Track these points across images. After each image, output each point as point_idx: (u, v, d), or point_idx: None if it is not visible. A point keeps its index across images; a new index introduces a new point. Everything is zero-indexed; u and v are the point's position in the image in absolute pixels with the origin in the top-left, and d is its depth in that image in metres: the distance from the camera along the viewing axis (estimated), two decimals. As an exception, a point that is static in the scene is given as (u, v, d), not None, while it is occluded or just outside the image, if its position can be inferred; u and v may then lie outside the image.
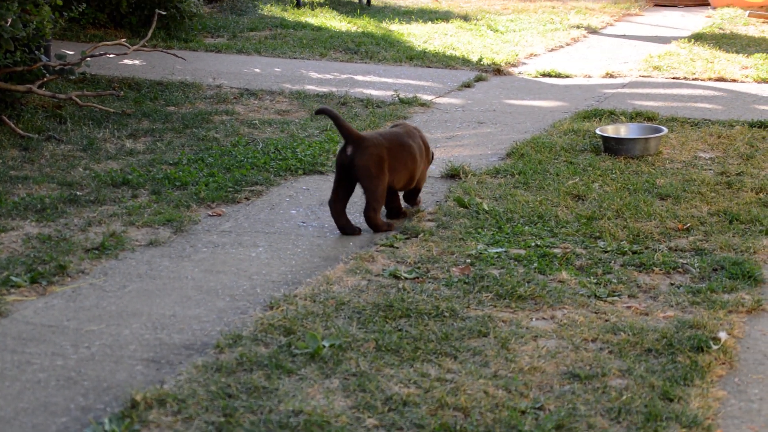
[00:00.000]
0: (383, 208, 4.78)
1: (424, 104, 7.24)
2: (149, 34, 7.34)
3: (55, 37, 7.20)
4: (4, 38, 5.91)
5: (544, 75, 8.37)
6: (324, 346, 3.36)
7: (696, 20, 11.64)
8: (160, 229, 4.59)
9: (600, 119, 6.65)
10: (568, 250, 4.33)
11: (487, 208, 4.82)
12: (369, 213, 4.60)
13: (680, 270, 4.16)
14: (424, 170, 4.92)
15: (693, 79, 8.15)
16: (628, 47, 9.83)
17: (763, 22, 11.11)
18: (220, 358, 3.28)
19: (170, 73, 7.97)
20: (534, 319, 3.68)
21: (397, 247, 4.39)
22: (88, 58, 6.77)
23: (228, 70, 8.24)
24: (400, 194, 4.90)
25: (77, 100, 6.64)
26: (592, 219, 4.70)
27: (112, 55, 7.67)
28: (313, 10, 11.48)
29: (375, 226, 4.62)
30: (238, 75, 8.05)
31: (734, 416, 3.04)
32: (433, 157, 5.07)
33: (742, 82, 8.05)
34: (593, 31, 10.83)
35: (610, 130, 5.98)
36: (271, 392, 3.07)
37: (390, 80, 8.05)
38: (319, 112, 4.61)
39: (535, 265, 4.17)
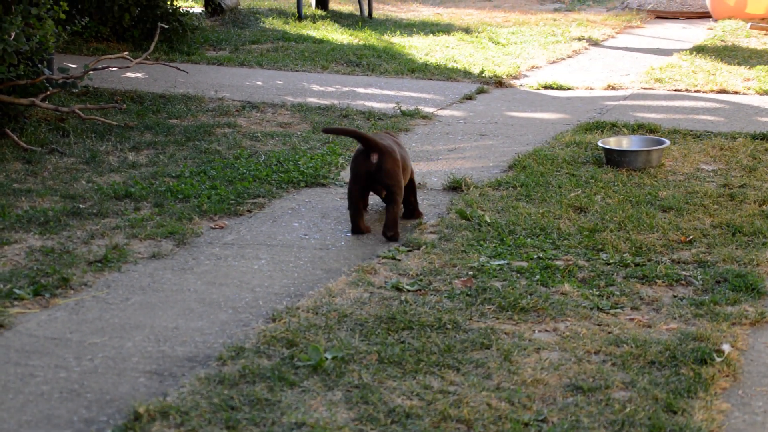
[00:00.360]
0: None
1: (425, 117, 7.25)
2: (152, 48, 7.35)
3: (58, 51, 7.22)
4: (7, 52, 5.93)
5: (545, 87, 8.38)
6: (326, 359, 3.36)
7: (697, 32, 11.67)
8: (163, 241, 4.59)
9: (602, 131, 6.66)
10: (570, 263, 4.34)
11: (489, 221, 4.82)
12: (395, 216, 4.72)
13: (683, 282, 4.16)
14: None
15: (695, 91, 8.16)
16: (629, 59, 9.85)
17: (765, 35, 11.13)
18: (222, 371, 3.28)
19: (172, 86, 7.99)
20: (536, 332, 3.68)
21: (399, 260, 4.39)
22: (91, 72, 6.80)
23: (230, 82, 8.26)
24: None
25: (80, 113, 6.65)
26: (595, 231, 4.70)
27: (114, 69, 7.69)
28: (314, 23, 11.51)
29: (396, 231, 4.71)
30: (240, 88, 8.07)
31: (738, 429, 3.04)
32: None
33: (744, 94, 8.06)
34: (595, 43, 10.85)
35: (612, 143, 5.99)
36: (273, 404, 3.07)
37: (392, 93, 8.06)
38: (328, 131, 4.77)
39: (538, 277, 4.17)
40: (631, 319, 3.80)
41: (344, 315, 3.76)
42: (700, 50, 9.93)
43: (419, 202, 5.25)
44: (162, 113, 7.10)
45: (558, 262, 4.34)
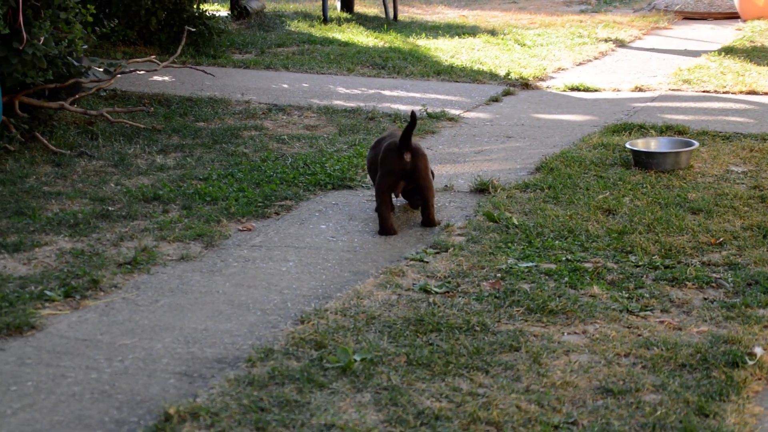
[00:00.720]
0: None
1: (452, 119, 7.24)
2: (179, 51, 7.39)
3: (86, 54, 7.27)
4: (37, 56, 5.97)
5: (572, 89, 8.35)
6: (355, 360, 3.36)
7: (726, 33, 11.59)
8: (191, 243, 4.61)
9: (630, 133, 6.63)
10: (599, 265, 4.32)
11: (516, 223, 4.81)
12: (431, 210, 4.91)
13: (714, 285, 4.13)
14: None
15: (723, 93, 8.10)
16: (657, 61, 9.79)
17: (793, 35, 11.04)
18: (252, 372, 3.29)
19: (199, 89, 8.02)
20: (565, 334, 3.67)
21: (427, 262, 4.39)
22: (118, 75, 6.84)
23: (256, 85, 8.28)
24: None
25: (108, 116, 6.69)
26: (623, 233, 4.68)
27: (142, 72, 7.74)
28: (340, 25, 11.52)
29: (434, 221, 4.93)
30: (267, 90, 8.09)
31: (770, 432, 3.02)
32: None
33: (773, 95, 7.99)
34: (621, 44, 10.80)
35: (641, 144, 5.96)
36: (303, 406, 3.08)
37: (417, 95, 8.06)
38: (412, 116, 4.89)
39: (566, 279, 4.16)
40: (661, 322, 3.77)
41: (372, 317, 3.76)
42: (728, 51, 9.86)
43: (446, 204, 5.25)
44: (189, 116, 7.13)
45: (586, 265, 4.32)
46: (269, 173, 5.68)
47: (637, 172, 5.72)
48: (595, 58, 9.95)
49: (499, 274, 4.21)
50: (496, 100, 7.95)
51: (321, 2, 12.16)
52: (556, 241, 4.59)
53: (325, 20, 11.78)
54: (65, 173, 5.68)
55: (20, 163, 5.77)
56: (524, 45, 10.43)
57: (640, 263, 4.34)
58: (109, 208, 5.04)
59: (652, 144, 6.00)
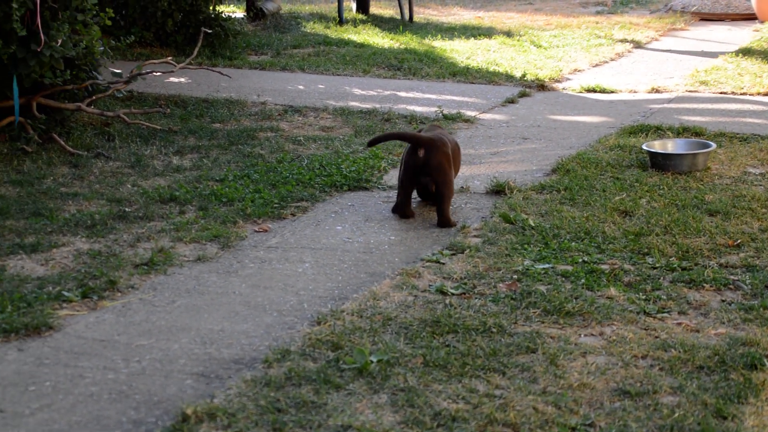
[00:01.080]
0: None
1: (468, 120, 7.23)
2: (195, 52, 7.41)
3: (103, 56, 7.28)
4: (54, 58, 6.00)
5: (588, 90, 8.33)
6: (372, 362, 3.36)
7: (743, 34, 11.54)
8: (208, 244, 4.62)
9: (646, 135, 6.61)
10: (616, 267, 4.30)
11: (533, 224, 4.80)
12: (444, 206, 4.92)
13: (731, 287, 4.11)
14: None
15: (741, 94, 8.07)
16: (673, 62, 9.76)
17: (811, 36, 10.98)
18: (268, 373, 3.29)
19: (215, 90, 8.04)
20: (582, 336, 3.66)
21: (443, 263, 4.39)
22: (135, 76, 6.86)
23: (272, 87, 8.29)
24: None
25: (125, 117, 6.72)
26: (640, 235, 4.66)
27: (158, 73, 7.76)
28: (355, 27, 11.53)
29: (448, 222, 4.92)
30: (283, 92, 8.10)
31: (789, 434, 3.00)
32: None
33: (791, 96, 7.96)
34: (638, 46, 10.77)
35: (657, 146, 5.94)
36: (319, 407, 3.08)
37: (433, 96, 8.06)
38: (372, 143, 5.14)
39: (583, 281, 4.15)
40: (679, 324, 3.76)
41: (389, 318, 3.76)
42: (746, 52, 9.82)
43: (462, 205, 5.25)
44: (205, 117, 7.15)
45: (603, 266, 4.31)
46: (285, 174, 5.69)
47: (653, 173, 5.70)
48: (612, 60, 9.93)
49: (515, 276, 4.20)
50: (512, 101, 7.94)
51: (336, 4, 12.17)
52: (573, 243, 4.58)
53: (341, 21, 11.79)
54: (82, 174, 5.70)
55: (38, 164, 5.80)
56: (540, 46, 10.41)
57: (657, 265, 4.32)
58: (126, 209, 5.05)
59: (669, 146, 5.97)
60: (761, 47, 10.23)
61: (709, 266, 4.30)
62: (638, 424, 3.01)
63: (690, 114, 7.37)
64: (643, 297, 4.00)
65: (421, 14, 13.15)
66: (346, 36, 10.85)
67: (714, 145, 5.92)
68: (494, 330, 3.66)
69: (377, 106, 7.58)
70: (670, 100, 7.92)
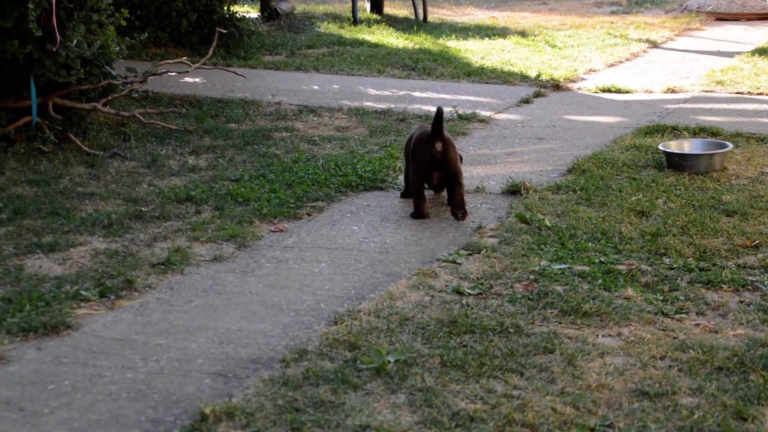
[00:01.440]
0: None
1: (482, 120, 7.22)
2: (210, 52, 7.42)
3: (118, 56, 7.31)
4: (70, 57, 6.02)
5: (603, 90, 8.31)
6: (389, 362, 3.36)
7: (759, 34, 11.49)
8: (224, 244, 4.63)
9: (662, 135, 6.59)
10: (633, 267, 4.29)
11: (549, 225, 4.79)
12: (463, 197, 5.02)
13: (750, 287, 4.09)
14: None
15: (757, 94, 8.03)
16: (689, 62, 9.73)
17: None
18: (286, 373, 3.29)
19: (230, 90, 8.05)
20: (600, 336, 3.65)
21: (460, 263, 4.38)
22: (150, 76, 6.89)
23: (287, 87, 8.30)
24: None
25: (140, 117, 6.73)
26: (657, 235, 4.65)
27: (173, 73, 7.78)
28: (369, 27, 11.53)
29: (466, 210, 5.03)
30: (297, 92, 8.11)
31: (809, 436, 2.98)
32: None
33: (807, 96, 7.92)
34: (653, 45, 10.74)
35: (674, 146, 5.92)
36: (337, 406, 3.08)
37: (448, 96, 8.05)
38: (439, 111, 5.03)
39: (600, 281, 4.14)
40: (697, 325, 3.75)
41: (406, 318, 3.76)
42: (762, 52, 9.78)
43: (478, 205, 5.24)
44: (220, 117, 7.16)
45: (620, 267, 4.30)
46: (301, 174, 5.69)
47: (670, 174, 5.68)
48: (627, 60, 9.90)
49: (532, 276, 4.19)
50: (527, 101, 7.92)
51: (351, 4, 12.18)
52: (589, 243, 4.56)
53: (355, 22, 11.79)
54: (98, 174, 5.71)
55: (54, 164, 5.82)
56: (555, 46, 10.39)
57: (675, 265, 4.31)
58: (143, 209, 5.06)
59: (686, 146, 5.95)
60: (777, 47, 10.19)
61: (727, 267, 4.29)
62: (657, 425, 3.00)
63: (706, 114, 7.35)
64: (661, 298, 3.98)
65: (435, 14, 13.14)
66: (360, 36, 10.85)
67: (731, 146, 5.89)
68: (511, 330, 3.65)
69: (392, 106, 7.58)
70: (686, 100, 7.89)
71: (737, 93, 8.11)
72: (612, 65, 9.59)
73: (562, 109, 7.66)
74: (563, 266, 4.29)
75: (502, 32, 11.32)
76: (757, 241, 4.57)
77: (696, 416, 3.03)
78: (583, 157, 6.04)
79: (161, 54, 9.24)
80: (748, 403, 3.11)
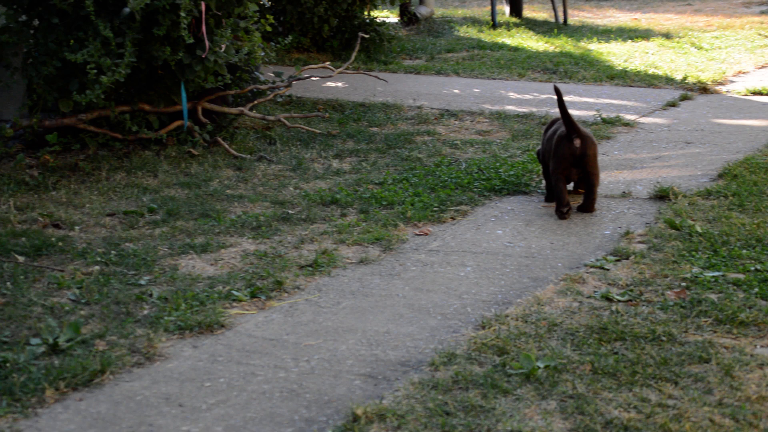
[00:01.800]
0: None
1: (627, 124, 7.09)
2: (353, 57, 7.51)
3: (264, 62, 7.47)
4: (218, 63, 6.18)
5: (754, 93, 8.04)
6: (539, 367, 3.32)
7: None
8: (370, 247, 4.67)
9: (818, 139, 6.34)
10: (791, 275, 4.13)
11: (700, 231, 4.66)
12: (595, 195, 5.12)
13: None
14: None
15: None
16: (844, 63, 9.34)
17: None
18: (435, 376, 3.30)
19: (372, 94, 8.12)
20: (758, 347, 3.52)
21: (608, 269, 4.30)
22: (295, 81, 7.01)
23: (427, 91, 8.33)
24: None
25: (285, 121, 6.86)
26: (816, 243, 4.47)
27: (316, 78, 7.89)
28: (509, 30, 11.47)
29: (593, 208, 5.14)
30: (438, 96, 8.12)
31: None
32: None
33: None
34: (805, 46, 10.35)
35: (832, 150, 5.68)
36: (488, 411, 3.06)
37: (591, 100, 7.93)
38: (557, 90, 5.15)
39: (756, 290, 4.00)
40: None
41: (554, 324, 3.71)
42: None
43: (625, 210, 5.15)
44: (362, 121, 7.23)
45: (777, 275, 4.15)
46: (444, 178, 5.70)
47: (828, 179, 5.46)
48: (778, 61, 9.56)
49: (683, 283, 4.08)
50: (673, 104, 7.74)
51: (489, 7, 12.13)
52: (744, 250, 4.42)
53: (494, 25, 11.74)
54: (246, 177, 5.85)
55: (204, 167, 5.98)
56: (701, 48, 10.12)
57: (836, 274, 4.13)
58: (289, 212, 5.15)
59: None
60: None
61: None
62: (822, 440, 2.88)
63: None
64: (822, 308, 3.82)
65: (575, 16, 12.98)
66: (499, 39, 10.81)
67: None
68: (664, 338, 3.56)
69: (534, 110, 7.51)
70: (842, 103, 7.57)
71: None
72: (763, 67, 9.28)
73: (711, 113, 7.45)
74: (716, 274, 4.17)
75: (645, 34, 11.09)
76: None
77: None
78: (735, 161, 5.86)
79: (303, 59, 9.40)
80: None
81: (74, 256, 4.44)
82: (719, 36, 10.81)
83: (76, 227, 4.87)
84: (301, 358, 3.48)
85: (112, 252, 4.49)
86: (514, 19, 12.40)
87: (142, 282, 4.15)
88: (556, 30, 11.47)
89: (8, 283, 4.07)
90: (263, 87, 6.86)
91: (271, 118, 6.83)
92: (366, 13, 9.85)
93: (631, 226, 4.91)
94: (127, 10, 5.72)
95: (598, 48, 10.22)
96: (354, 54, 7.53)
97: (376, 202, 5.31)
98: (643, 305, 3.89)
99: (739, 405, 3.08)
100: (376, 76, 7.88)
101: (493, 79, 8.86)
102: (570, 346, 3.52)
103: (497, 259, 4.51)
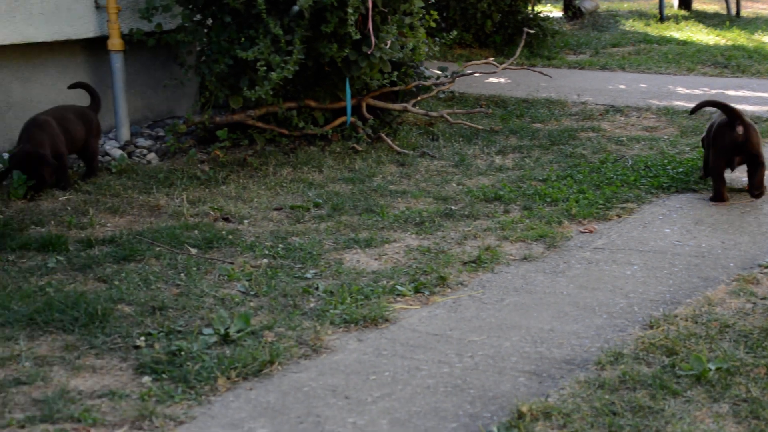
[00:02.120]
0: None
1: (804, 119, 6.79)
2: (517, 53, 7.45)
3: (428, 56, 7.52)
4: (383, 60, 6.24)
5: None
6: (710, 369, 3.22)
7: None
8: (533, 244, 4.62)
9: None
10: None
11: None
12: (762, 178, 5.13)
13: None
14: None
15: None
16: None
17: None
18: (602, 375, 3.24)
19: (535, 90, 8.05)
20: None
21: (784, 270, 4.13)
22: (458, 77, 7.01)
23: (591, 86, 8.19)
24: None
25: (448, 117, 6.87)
26: None
27: (478, 74, 7.87)
28: (677, 23, 11.15)
29: (763, 188, 5.17)
30: (602, 91, 7.97)
31: None
32: None
33: None
34: None
35: None
36: (656, 412, 2.99)
37: (766, 95, 7.62)
38: (694, 111, 5.46)
39: None
40: None
41: (726, 325, 3.59)
42: None
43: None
44: (525, 117, 7.17)
45: None
46: (609, 175, 5.59)
47: None
48: None
49: None
50: None
51: (657, 0, 11.83)
52: None
53: (662, 18, 11.44)
54: (409, 173, 5.88)
55: (368, 163, 6.05)
56: None
57: None
58: (452, 207, 5.16)
59: None
60: None
61: None
62: None
63: None
64: None
65: (749, 8, 12.52)
66: (667, 33, 10.52)
67: None
68: None
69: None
70: None
71: None
72: None
73: None
74: None
75: (823, 25, 10.59)
76: None
77: None
78: None
79: (465, 55, 9.39)
80: None
81: (243, 249, 4.57)
82: None
83: (245, 221, 5.02)
84: (464, 353, 3.48)
85: (280, 246, 4.60)
86: (683, 12, 12.06)
87: (309, 275, 4.24)
88: (728, 22, 11.08)
89: (182, 275, 4.23)
90: (427, 83, 6.89)
91: (434, 114, 6.86)
92: (529, 8, 9.77)
93: (809, 225, 4.70)
94: (296, 7, 5.84)
95: (772, 40, 9.83)
96: (519, 49, 7.48)
97: (540, 198, 5.25)
98: (823, 308, 3.72)
99: None
100: (540, 72, 7.80)
101: (661, 73, 8.64)
102: (743, 349, 3.39)
103: (665, 258, 4.40)
